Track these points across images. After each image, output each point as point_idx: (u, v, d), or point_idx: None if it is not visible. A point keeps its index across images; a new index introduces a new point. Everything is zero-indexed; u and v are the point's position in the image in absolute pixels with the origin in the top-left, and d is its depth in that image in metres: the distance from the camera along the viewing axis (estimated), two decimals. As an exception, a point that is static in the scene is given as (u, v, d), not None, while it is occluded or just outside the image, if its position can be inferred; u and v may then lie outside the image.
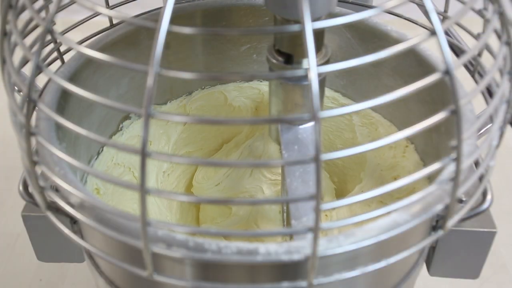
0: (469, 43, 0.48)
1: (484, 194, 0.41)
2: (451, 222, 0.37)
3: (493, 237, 0.43)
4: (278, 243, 0.32)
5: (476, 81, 0.49)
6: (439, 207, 0.35)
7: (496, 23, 0.35)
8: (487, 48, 0.43)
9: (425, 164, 0.51)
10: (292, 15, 0.38)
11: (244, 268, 0.34)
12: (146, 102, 0.26)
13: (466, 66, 0.50)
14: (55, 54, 0.47)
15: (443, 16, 0.50)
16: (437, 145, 0.46)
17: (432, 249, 0.44)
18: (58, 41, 0.46)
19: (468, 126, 0.40)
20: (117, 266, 0.39)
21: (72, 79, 0.45)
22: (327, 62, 0.43)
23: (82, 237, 0.44)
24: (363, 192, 0.57)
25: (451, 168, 0.37)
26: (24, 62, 0.38)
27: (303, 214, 0.43)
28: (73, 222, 0.43)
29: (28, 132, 0.31)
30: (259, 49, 0.59)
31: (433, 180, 0.38)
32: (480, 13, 0.42)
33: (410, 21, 0.52)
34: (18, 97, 0.35)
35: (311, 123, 0.46)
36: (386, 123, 0.56)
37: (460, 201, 0.43)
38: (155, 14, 0.53)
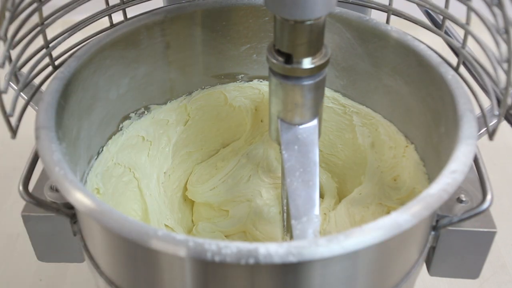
0: (469, 43, 0.48)
1: (484, 194, 0.41)
2: (451, 222, 0.37)
3: (493, 237, 0.43)
4: (278, 243, 0.32)
5: (478, 82, 0.49)
6: (439, 207, 0.35)
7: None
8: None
9: (425, 164, 0.50)
10: (292, 15, 0.38)
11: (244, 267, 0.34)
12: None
13: (465, 65, 0.50)
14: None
15: (443, 16, 0.50)
16: (437, 145, 0.46)
17: (432, 249, 0.44)
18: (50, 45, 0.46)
19: (468, 126, 0.40)
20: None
21: (72, 79, 0.45)
22: (327, 62, 0.43)
23: (82, 237, 0.44)
24: (361, 194, 0.57)
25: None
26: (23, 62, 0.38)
27: (303, 214, 0.43)
28: (73, 222, 0.43)
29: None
30: (259, 49, 0.59)
31: (433, 180, 0.38)
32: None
33: (410, 21, 0.52)
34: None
35: (312, 123, 0.46)
36: (386, 123, 0.56)
37: (460, 201, 0.43)
38: (155, 14, 0.52)
